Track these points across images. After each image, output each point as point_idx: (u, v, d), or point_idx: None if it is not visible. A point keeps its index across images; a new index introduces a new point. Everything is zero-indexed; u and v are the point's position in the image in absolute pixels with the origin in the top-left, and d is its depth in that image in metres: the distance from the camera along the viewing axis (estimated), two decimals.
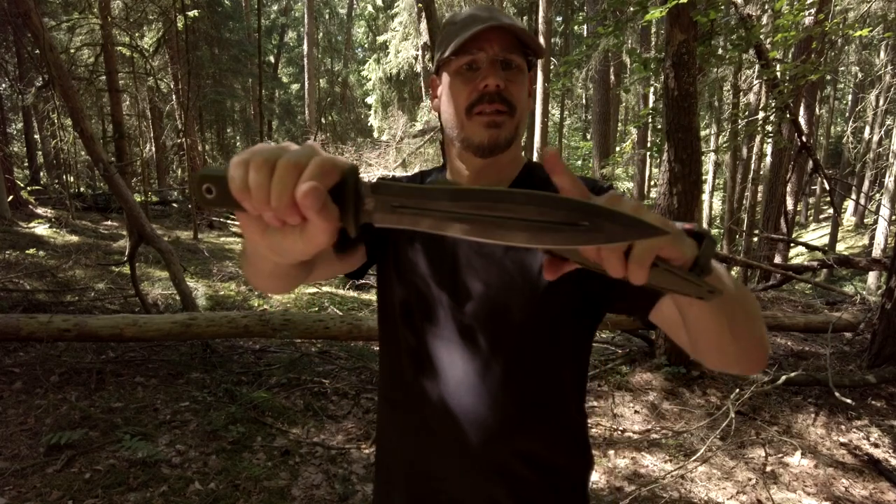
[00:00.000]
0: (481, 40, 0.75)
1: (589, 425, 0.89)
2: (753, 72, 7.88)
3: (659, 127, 5.04)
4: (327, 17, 23.54)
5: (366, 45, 21.16)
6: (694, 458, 2.78)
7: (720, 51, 4.88)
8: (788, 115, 5.57)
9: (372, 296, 6.54)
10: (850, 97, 20.55)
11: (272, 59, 22.43)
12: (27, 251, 5.92)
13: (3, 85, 11.18)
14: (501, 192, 0.36)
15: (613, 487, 2.54)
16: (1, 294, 4.37)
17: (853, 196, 17.22)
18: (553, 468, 0.80)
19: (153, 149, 12.08)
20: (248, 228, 0.41)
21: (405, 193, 0.37)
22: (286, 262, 0.51)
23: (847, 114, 20.75)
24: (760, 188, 10.81)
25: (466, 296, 0.78)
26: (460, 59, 0.76)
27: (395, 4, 13.72)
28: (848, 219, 20.34)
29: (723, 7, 3.92)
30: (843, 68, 14.84)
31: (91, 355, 3.62)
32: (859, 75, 15.11)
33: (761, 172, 11.30)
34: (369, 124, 17.19)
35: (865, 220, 18.31)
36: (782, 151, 7.99)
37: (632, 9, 4.07)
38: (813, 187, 21.75)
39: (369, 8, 19.26)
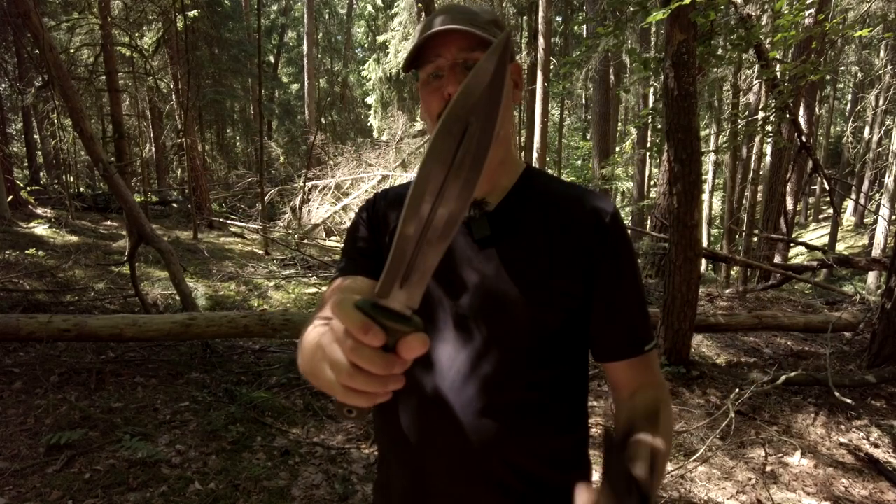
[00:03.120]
0: (438, 45, 0.73)
1: (589, 426, 0.89)
2: (753, 72, 7.88)
3: (659, 127, 5.04)
4: (327, 17, 23.54)
5: (366, 45, 21.16)
6: (694, 457, 2.78)
7: (720, 51, 4.88)
8: (788, 115, 5.57)
9: None
10: (849, 97, 20.57)
11: (272, 59, 22.42)
12: (27, 251, 5.92)
13: (3, 85, 11.19)
14: None
15: None
16: (1, 294, 4.37)
17: (853, 196, 17.23)
18: (543, 481, 0.78)
19: (153, 149, 12.08)
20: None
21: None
22: None
23: (847, 114, 20.77)
24: (760, 188, 10.82)
25: (465, 303, 0.76)
26: (424, 68, 0.75)
27: (395, 4, 13.73)
28: (848, 219, 20.35)
29: (722, 7, 3.92)
30: (843, 68, 14.85)
31: (91, 355, 3.62)
32: (859, 75, 15.11)
33: (761, 172, 11.31)
34: (369, 124, 17.20)
35: (865, 220, 18.32)
36: (782, 151, 7.99)
37: (632, 9, 4.07)
38: (813, 187, 21.77)
39: (369, 8, 19.25)
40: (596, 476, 2.66)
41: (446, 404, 0.75)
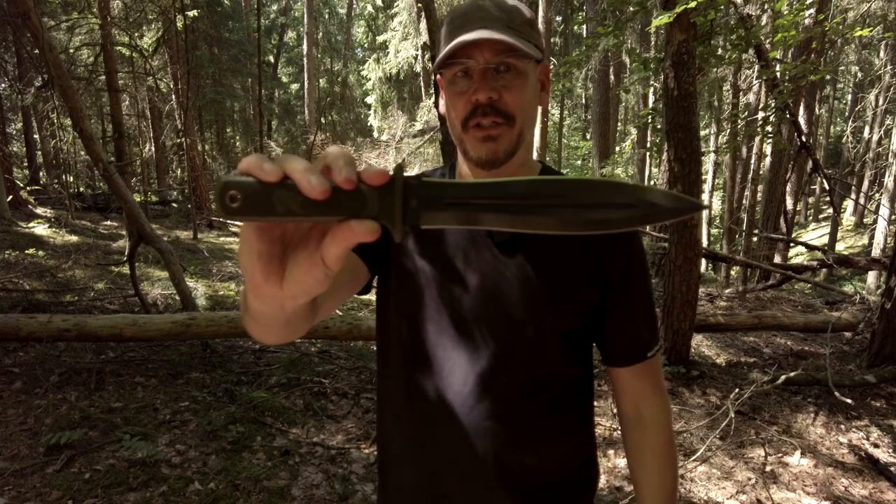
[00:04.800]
0: (470, 48, 0.70)
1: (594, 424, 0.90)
2: (753, 72, 7.88)
3: (659, 127, 5.04)
4: (327, 16, 23.53)
5: (365, 45, 21.16)
6: (694, 457, 2.78)
7: (720, 51, 4.88)
8: (788, 115, 5.57)
9: (371, 295, 6.51)
10: (849, 97, 20.56)
11: (272, 58, 22.41)
12: (27, 251, 5.92)
13: (3, 85, 11.17)
14: (542, 182, 0.35)
15: (613, 487, 2.54)
16: (1, 294, 4.37)
17: (853, 196, 17.23)
18: (558, 482, 0.80)
19: (153, 149, 12.08)
20: (261, 271, 0.36)
21: (449, 189, 0.35)
22: (300, 302, 0.40)
23: (847, 113, 20.77)
24: (760, 188, 10.82)
25: (473, 308, 0.75)
26: (452, 68, 0.72)
27: (395, 4, 13.71)
28: (847, 218, 20.35)
29: (722, 7, 3.92)
30: (842, 68, 14.84)
31: (91, 355, 3.61)
32: (859, 75, 15.10)
33: (761, 172, 11.30)
34: (369, 124, 17.19)
35: (865, 220, 18.31)
36: (782, 151, 7.99)
37: (632, 9, 4.07)
38: (812, 187, 21.75)
39: (369, 8, 19.25)
40: (603, 479, 2.64)
41: (463, 408, 0.74)
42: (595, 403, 3.31)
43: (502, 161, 0.73)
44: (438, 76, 0.79)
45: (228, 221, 10.96)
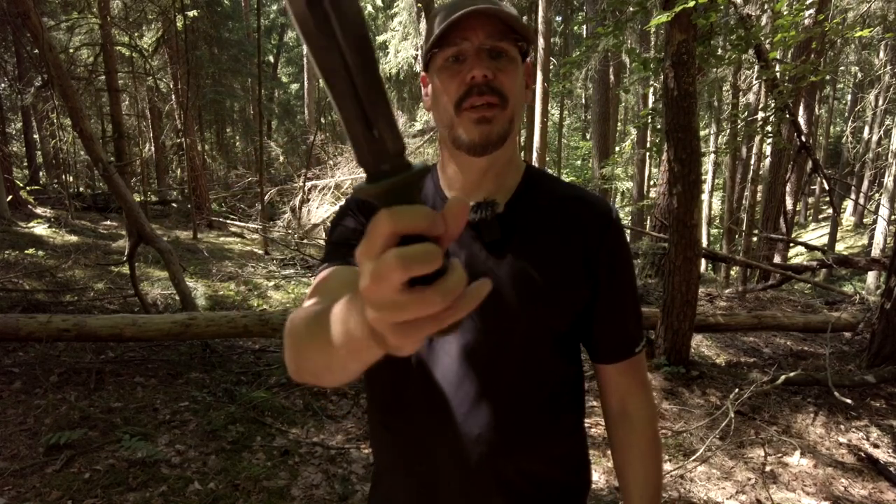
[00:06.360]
0: (465, 29, 0.69)
1: (588, 425, 0.90)
2: (753, 72, 7.88)
3: (659, 127, 5.05)
4: None
5: None
6: (693, 457, 2.78)
7: (720, 51, 4.88)
8: (788, 115, 5.57)
9: None
10: (849, 97, 20.56)
11: (272, 58, 22.42)
12: (26, 251, 5.91)
13: (3, 85, 11.17)
14: None
15: (613, 487, 2.54)
16: (0, 294, 4.37)
17: (852, 196, 17.23)
18: (554, 485, 0.80)
19: (152, 149, 12.07)
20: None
21: None
22: None
23: (846, 114, 20.78)
24: (760, 188, 10.82)
25: (475, 308, 0.74)
26: (445, 51, 0.71)
27: (395, 4, 13.72)
28: (847, 218, 20.36)
29: (722, 8, 3.92)
30: (842, 68, 14.85)
31: (90, 355, 3.61)
32: (859, 75, 15.11)
33: (761, 172, 11.30)
34: None
35: (864, 220, 18.32)
36: (782, 151, 7.99)
37: (631, 9, 4.07)
38: (812, 187, 21.77)
39: (369, 8, 19.24)
40: (596, 475, 2.64)
41: (457, 412, 0.74)
42: (595, 403, 3.30)
43: (495, 144, 0.72)
44: (424, 72, 0.78)
45: (228, 221, 10.96)
